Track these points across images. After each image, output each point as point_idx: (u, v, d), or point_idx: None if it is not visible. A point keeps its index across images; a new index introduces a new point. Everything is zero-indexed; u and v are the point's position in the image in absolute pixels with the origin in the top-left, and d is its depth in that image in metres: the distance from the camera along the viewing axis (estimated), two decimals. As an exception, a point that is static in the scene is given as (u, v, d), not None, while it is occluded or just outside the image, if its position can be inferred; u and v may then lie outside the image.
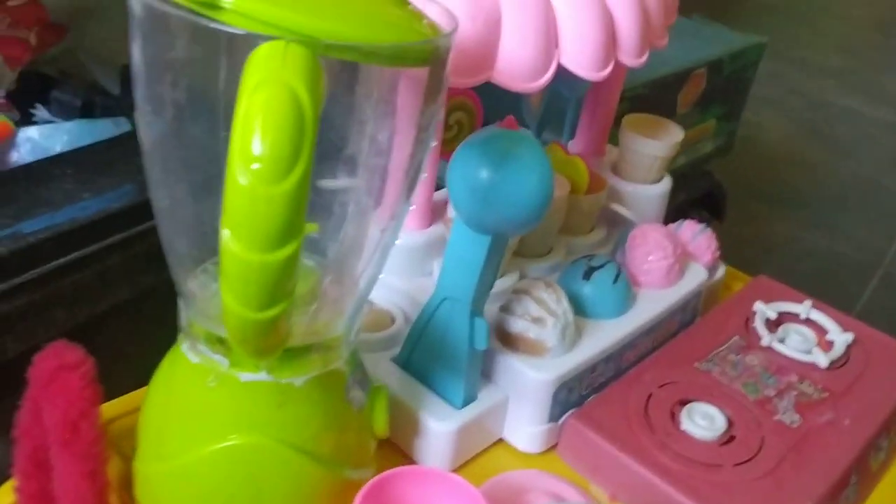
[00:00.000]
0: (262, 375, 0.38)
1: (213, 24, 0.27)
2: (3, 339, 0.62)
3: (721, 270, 0.66)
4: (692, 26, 1.08)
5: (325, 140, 0.35)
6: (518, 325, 0.49)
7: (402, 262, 0.53)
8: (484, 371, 0.51)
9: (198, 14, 0.27)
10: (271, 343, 0.30)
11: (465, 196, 0.42)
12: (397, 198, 0.36)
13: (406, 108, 0.34)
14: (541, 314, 0.49)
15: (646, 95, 0.90)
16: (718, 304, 0.63)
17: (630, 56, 0.53)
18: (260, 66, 0.26)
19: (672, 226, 0.65)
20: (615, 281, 0.54)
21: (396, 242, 0.52)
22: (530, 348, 0.49)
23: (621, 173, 0.66)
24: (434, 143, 0.39)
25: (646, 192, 0.65)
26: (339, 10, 0.29)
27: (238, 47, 0.28)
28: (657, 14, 0.55)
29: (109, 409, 0.47)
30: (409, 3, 0.35)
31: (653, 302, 0.56)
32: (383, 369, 0.50)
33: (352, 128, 0.34)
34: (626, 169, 0.65)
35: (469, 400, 0.49)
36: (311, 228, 0.38)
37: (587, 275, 0.54)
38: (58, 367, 0.41)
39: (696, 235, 0.63)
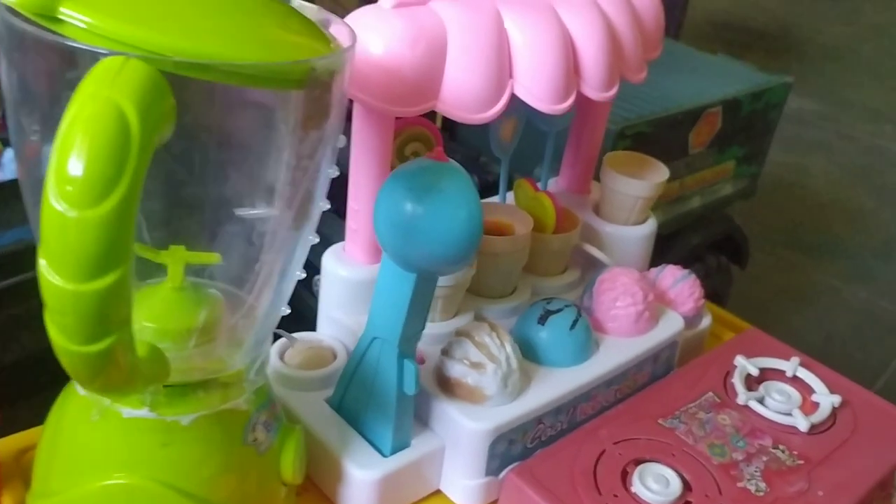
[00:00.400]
0: (144, 412, 0.35)
1: (56, 39, 0.25)
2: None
3: (706, 321, 0.61)
4: (712, 63, 1.04)
5: (219, 165, 0.34)
6: (456, 370, 0.46)
7: (346, 296, 0.51)
8: (421, 417, 0.48)
9: (42, 28, 0.26)
10: (115, 379, 0.28)
11: (388, 231, 0.40)
12: (287, 226, 0.34)
13: (285, 134, 0.32)
14: (480, 359, 0.46)
15: (650, 134, 0.87)
16: (699, 356, 0.59)
17: (595, 89, 0.50)
18: (89, 82, 0.24)
19: (653, 270, 0.61)
20: (572, 327, 0.50)
21: (342, 275, 0.51)
22: (468, 395, 0.46)
23: (602, 213, 0.62)
24: (335, 173, 0.36)
25: (627, 234, 0.61)
26: (202, 25, 0.27)
27: (87, 65, 0.26)
28: (631, 46, 0.52)
29: (25, 439, 0.45)
30: (314, 25, 0.33)
31: (617, 351, 0.52)
32: (316, 410, 0.47)
33: (239, 153, 0.32)
34: (607, 209, 0.62)
35: (399, 447, 0.45)
36: (213, 259, 0.37)
37: (542, 319, 0.50)
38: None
39: (678, 282, 0.59)
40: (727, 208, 1.05)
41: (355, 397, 0.46)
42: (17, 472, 0.43)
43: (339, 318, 0.51)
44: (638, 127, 0.84)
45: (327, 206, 0.36)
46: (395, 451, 0.45)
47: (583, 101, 0.61)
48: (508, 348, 0.46)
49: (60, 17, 0.25)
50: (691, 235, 0.99)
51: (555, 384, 0.49)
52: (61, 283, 0.24)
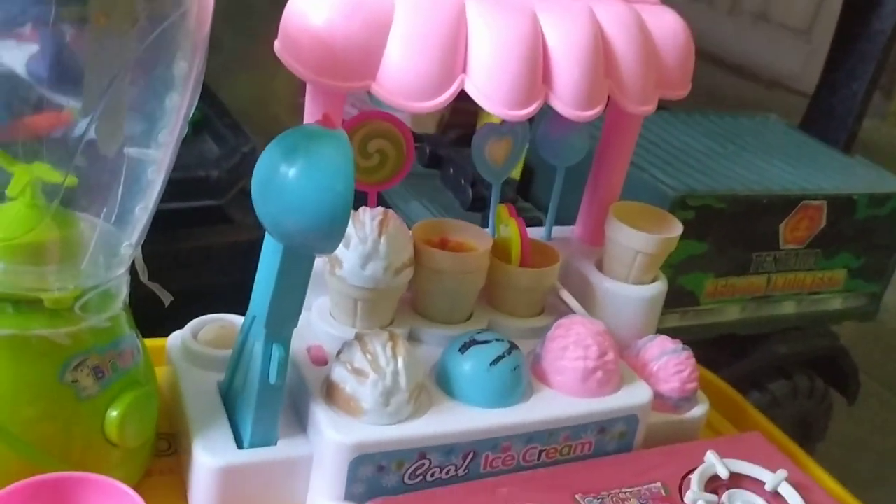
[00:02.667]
0: (-50, 315, 0.34)
1: None
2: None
3: (698, 409, 0.52)
4: (841, 161, 0.92)
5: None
6: (337, 374, 0.42)
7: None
8: (303, 420, 0.43)
9: None
10: None
11: (258, 191, 0.37)
12: (104, 138, 0.32)
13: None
14: (363, 367, 0.41)
15: (724, 212, 0.77)
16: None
17: (567, 104, 0.44)
18: None
19: (644, 339, 0.53)
20: (494, 362, 0.44)
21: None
22: (345, 404, 0.41)
23: (603, 267, 0.55)
24: (175, 105, 0.34)
25: (624, 292, 0.54)
26: None
27: None
28: (630, 69, 0.47)
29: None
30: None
31: (550, 405, 0.45)
32: (199, 389, 0.44)
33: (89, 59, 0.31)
34: (607, 262, 0.55)
35: (261, 442, 0.41)
36: (56, 178, 0.36)
37: (464, 348, 0.45)
38: None
39: (665, 355, 0.51)
40: (834, 325, 0.92)
41: (237, 382, 0.43)
42: None
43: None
44: (705, 199, 0.75)
45: (171, 141, 0.34)
46: (254, 444, 0.41)
47: (602, 138, 0.56)
48: (400, 363, 0.41)
49: None
50: (779, 345, 0.87)
51: (453, 419, 0.43)
52: None
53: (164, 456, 0.45)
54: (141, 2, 0.30)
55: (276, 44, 0.43)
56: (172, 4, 0.30)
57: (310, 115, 0.45)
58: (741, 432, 0.56)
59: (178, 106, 0.33)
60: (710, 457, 0.46)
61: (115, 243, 0.36)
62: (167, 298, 0.40)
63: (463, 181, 0.71)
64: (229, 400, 0.44)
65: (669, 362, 0.51)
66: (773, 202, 0.79)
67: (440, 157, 0.81)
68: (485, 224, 0.65)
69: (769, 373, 0.88)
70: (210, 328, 0.48)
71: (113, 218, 0.35)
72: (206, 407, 0.43)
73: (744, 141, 0.92)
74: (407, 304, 0.50)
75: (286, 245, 0.38)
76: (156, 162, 0.34)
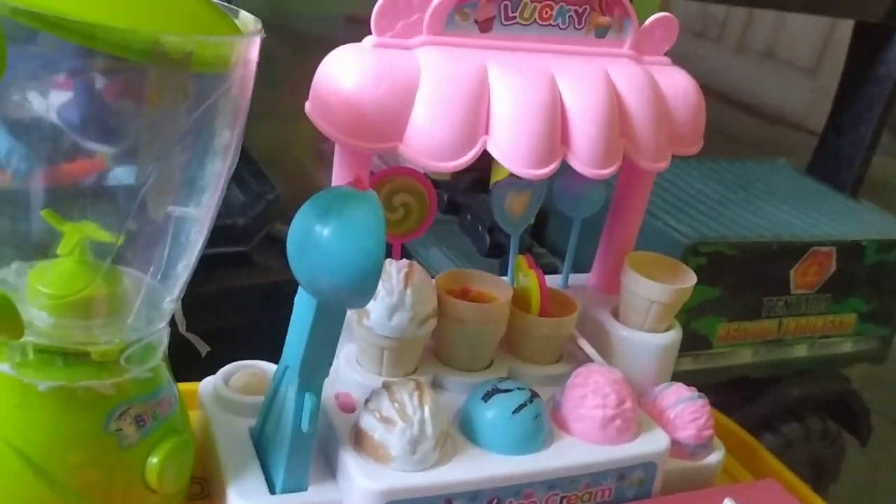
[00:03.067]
0: (5, 367, 0.36)
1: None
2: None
3: (714, 456, 0.53)
4: (849, 206, 0.94)
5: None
6: (366, 422, 0.43)
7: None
8: (332, 466, 0.45)
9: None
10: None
11: (293, 248, 0.39)
12: (156, 208, 0.34)
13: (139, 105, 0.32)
14: (391, 415, 0.43)
15: (735, 259, 0.79)
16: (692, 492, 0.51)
17: (584, 163, 0.47)
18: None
19: (660, 386, 0.54)
20: (516, 410, 0.46)
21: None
22: (373, 451, 0.43)
23: (619, 315, 0.57)
24: (218, 171, 0.36)
25: (640, 340, 0.56)
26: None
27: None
28: (644, 128, 0.49)
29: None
30: (221, 16, 0.34)
31: (571, 453, 0.47)
32: (232, 434, 0.46)
33: (115, 122, 0.33)
34: (623, 311, 0.57)
35: (293, 488, 0.43)
36: (108, 238, 0.38)
37: (487, 396, 0.46)
38: None
39: (681, 402, 0.52)
40: (844, 368, 0.93)
41: (269, 429, 0.45)
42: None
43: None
44: (717, 246, 0.77)
45: (214, 202, 0.36)
46: (286, 490, 0.43)
47: (617, 191, 0.58)
48: (426, 412, 0.43)
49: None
50: (791, 388, 0.88)
51: (477, 466, 0.44)
52: None
53: (197, 500, 0.46)
54: (192, 80, 0.32)
55: (307, 105, 0.45)
56: (219, 80, 0.33)
57: (338, 171, 0.48)
58: (756, 477, 0.57)
59: (221, 171, 0.36)
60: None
61: (159, 299, 0.38)
62: (204, 349, 0.42)
63: (480, 227, 0.73)
64: (261, 446, 0.45)
65: (686, 410, 0.52)
66: (784, 248, 0.81)
67: (457, 203, 0.83)
68: (503, 270, 0.68)
69: (782, 415, 0.89)
70: (241, 375, 0.50)
71: (158, 275, 0.37)
72: (238, 452, 0.45)
73: (754, 187, 0.94)
74: (429, 351, 0.52)
75: (320, 300, 0.40)
76: (199, 222, 0.37)
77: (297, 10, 1.54)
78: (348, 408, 0.47)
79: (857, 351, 0.92)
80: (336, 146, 0.47)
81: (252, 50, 0.34)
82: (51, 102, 0.31)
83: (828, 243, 0.83)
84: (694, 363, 0.80)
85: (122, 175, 0.33)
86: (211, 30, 0.32)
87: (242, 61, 0.34)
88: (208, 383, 0.50)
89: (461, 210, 0.81)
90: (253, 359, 0.51)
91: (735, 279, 0.78)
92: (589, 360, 0.54)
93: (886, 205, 1.04)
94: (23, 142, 0.33)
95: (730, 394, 0.84)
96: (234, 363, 0.51)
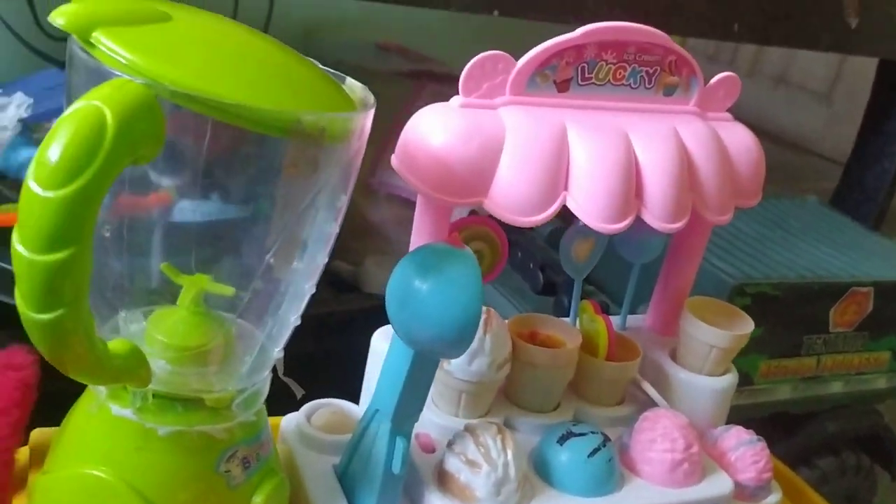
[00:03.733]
0: (128, 412, 0.39)
1: (87, 58, 0.31)
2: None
3: (772, 497, 0.55)
4: (885, 246, 0.96)
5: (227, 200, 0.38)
6: (451, 464, 0.46)
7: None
8: (414, 505, 0.47)
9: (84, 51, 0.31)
10: (74, 359, 0.31)
11: (393, 303, 0.41)
12: (281, 270, 0.37)
13: (271, 176, 0.35)
14: (476, 458, 0.45)
15: (778, 298, 0.81)
16: (754, 533, 0.53)
17: (658, 218, 0.49)
18: (90, 94, 0.29)
19: (720, 429, 0.56)
20: (591, 454, 0.48)
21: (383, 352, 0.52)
22: (459, 493, 0.45)
23: (677, 358, 0.59)
24: (334, 230, 0.38)
25: (699, 383, 0.58)
26: (217, 67, 0.32)
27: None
28: (711, 183, 0.51)
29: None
30: (339, 91, 0.37)
31: (643, 496, 0.49)
32: (318, 472, 0.48)
33: (241, 192, 0.36)
34: (682, 354, 0.59)
35: (381, 528, 0.45)
36: (226, 291, 0.40)
37: (562, 440, 0.48)
38: (4, 365, 0.45)
39: (741, 445, 0.54)
40: (878, 404, 0.95)
41: (355, 468, 0.47)
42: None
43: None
44: (761, 287, 0.79)
45: (325, 260, 0.39)
46: (375, 531, 0.45)
47: (674, 238, 0.60)
48: (510, 455, 0.45)
49: (92, 41, 0.30)
50: (827, 423, 0.90)
51: (556, 508, 0.46)
52: (22, 252, 0.28)
53: (283, 536, 0.48)
54: (322, 152, 0.34)
55: (394, 159, 0.48)
56: (342, 150, 0.35)
57: (419, 223, 0.50)
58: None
59: (334, 230, 0.38)
60: (790, 545, 0.50)
61: (270, 349, 0.41)
62: (299, 392, 0.45)
63: (532, 265, 0.76)
64: (346, 483, 0.47)
65: (746, 453, 0.54)
66: (824, 289, 0.83)
67: (508, 241, 0.85)
68: (557, 309, 0.70)
69: (818, 450, 0.91)
70: (322, 413, 0.52)
71: (271, 326, 0.40)
72: (325, 490, 0.47)
73: (789, 225, 0.97)
74: (500, 392, 0.54)
75: (416, 350, 0.42)
76: (311, 277, 0.39)
77: (329, 39, 1.57)
78: (428, 448, 0.49)
79: (891, 387, 0.93)
80: (419, 199, 0.50)
81: (368, 121, 0.36)
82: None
83: (867, 283, 0.85)
84: (737, 399, 0.82)
85: (250, 237, 0.35)
86: (339, 106, 0.34)
87: (360, 131, 0.36)
88: (291, 420, 0.52)
89: (511, 248, 0.83)
90: (306, 388, 0.53)
91: (777, 318, 0.79)
92: (651, 402, 0.56)
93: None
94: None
95: (769, 429, 0.86)
96: (315, 401, 0.53)
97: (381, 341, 0.53)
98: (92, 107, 0.28)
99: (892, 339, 0.91)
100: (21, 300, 0.29)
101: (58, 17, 0.31)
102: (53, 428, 0.51)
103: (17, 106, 0.83)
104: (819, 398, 0.88)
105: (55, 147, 0.28)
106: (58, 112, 0.30)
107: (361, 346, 0.76)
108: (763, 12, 1.03)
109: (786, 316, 0.81)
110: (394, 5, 0.83)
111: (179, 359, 0.39)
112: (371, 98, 0.38)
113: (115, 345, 0.35)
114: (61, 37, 0.54)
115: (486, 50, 0.47)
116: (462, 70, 0.46)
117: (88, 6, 0.31)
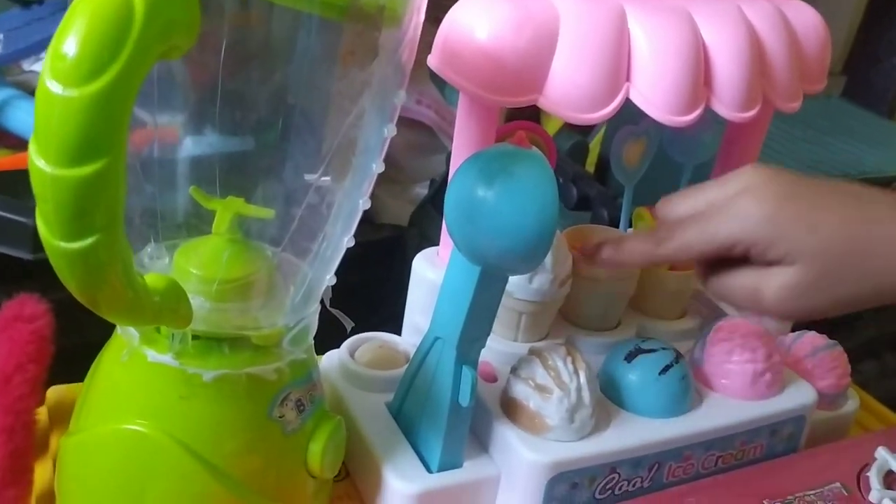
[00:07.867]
0: (167, 358, 0.34)
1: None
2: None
3: (851, 404, 0.52)
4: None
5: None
6: (519, 391, 0.41)
7: (432, 303, 0.47)
8: (482, 440, 0.43)
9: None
10: (110, 296, 0.26)
11: (455, 214, 0.36)
12: (332, 181, 0.32)
13: (325, 68, 0.30)
14: (547, 383, 0.41)
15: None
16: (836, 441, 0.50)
17: (728, 107, 0.44)
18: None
19: (791, 335, 0.53)
20: (663, 371, 0.44)
21: (430, 278, 0.47)
22: (529, 421, 0.41)
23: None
24: (391, 132, 0.33)
25: (763, 290, 0.54)
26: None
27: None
28: (782, 68, 0.46)
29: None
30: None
31: (722, 411, 0.45)
32: (371, 412, 0.44)
33: (285, 88, 0.30)
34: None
35: (449, 465, 0.41)
36: (264, 213, 0.35)
37: (630, 357, 0.44)
38: (14, 316, 0.40)
39: (818, 351, 0.51)
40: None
41: (412, 404, 0.43)
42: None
43: (422, 325, 0.48)
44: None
45: (380, 169, 0.33)
46: (443, 468, 0.41)
47: (728, 134, 0.56)
48: (583, 378, 0.41)
49: None
50: (866, 326, 0.87)
51: (635, 432, 0.42)
52: (42, 168, 0.23)
53: (337, 481, 0.44)
54: (379, 36, 0.29)
55: (431, 59, 0.42)
56: (399, 35, 0.30)
57: (463, 130, 0.45)
58: (887, 425, 0.55)
59: (390, 133, 0.33)
60: (882, 453, 0.46)
61: (321, 277, 0.36)
62: (349, 324, 0.40)
63: (562, 180, 0.71)
64: (402, 422, 0.43)
65: (824, 359, 0.50)
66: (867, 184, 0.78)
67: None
68: (595, 222, 0.65)
69: (858, 354, 0.88)
70: (366, 348, 0.48)
71: (320, 252, 0.35)
72: (384, 432, 0.43)
73: (816, 123, 0.92)
74: (557, 314, 0.50)
75: (483, 268, 0.37)
76: (365, 194, 0.34)
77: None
78: (490, 377, 0.45)
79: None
80: (461, 102, 0.44)
81: (424, 1, 0.31)
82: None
83: (908, 178, 0.81)
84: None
85: (303, 144, 0.30)
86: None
87: (417, 10, 0.31)
88: (333, 357, 0.47)
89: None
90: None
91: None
92: (719, 312, 0.52)
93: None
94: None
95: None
96: (357, 336, 0.48)
97: (425, 265, 0.48)
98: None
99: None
100: (44, 226, 0.24)
101: None
102: (73, 384, 0.46)
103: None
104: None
105: (73, 35, 0.22)
106: (28, 51, 0.24)
107: (380, 279, 0.72)
108: None
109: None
110: None
111: (220, 293, 0.34)
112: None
113: (152, 279, 0.30)
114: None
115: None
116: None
117: None
